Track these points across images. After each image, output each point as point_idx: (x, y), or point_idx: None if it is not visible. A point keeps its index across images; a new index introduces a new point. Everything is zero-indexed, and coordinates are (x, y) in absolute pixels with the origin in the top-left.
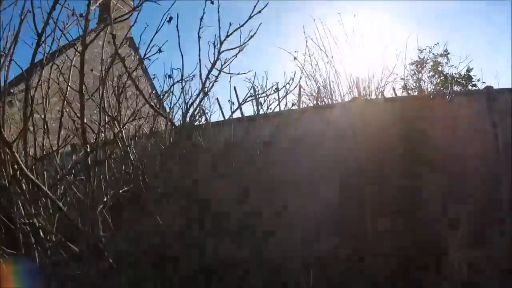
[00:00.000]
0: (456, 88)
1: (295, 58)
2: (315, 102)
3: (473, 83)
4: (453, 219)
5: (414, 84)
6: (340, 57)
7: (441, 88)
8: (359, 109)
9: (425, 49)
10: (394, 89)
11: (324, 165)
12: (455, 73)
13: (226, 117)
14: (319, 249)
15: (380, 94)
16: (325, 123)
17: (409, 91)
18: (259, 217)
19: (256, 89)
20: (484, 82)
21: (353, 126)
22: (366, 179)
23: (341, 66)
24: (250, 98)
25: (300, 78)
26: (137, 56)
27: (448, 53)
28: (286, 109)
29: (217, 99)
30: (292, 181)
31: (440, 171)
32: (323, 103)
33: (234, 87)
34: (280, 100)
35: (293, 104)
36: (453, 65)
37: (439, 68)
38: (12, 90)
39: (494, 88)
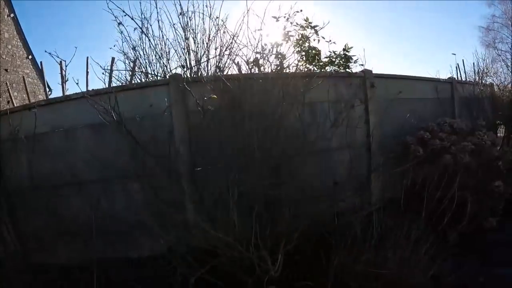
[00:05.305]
0: (330, 68)
1: (120, 23)
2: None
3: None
4: None
5: (271, 60)
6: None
7: (312, 67)
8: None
9: (282, 17)
10: (239, 64)
11: None
12: (331, 51)
13: None
14: None
15: (218, 70)
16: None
17: (261, 68)
18: None
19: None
20: (362, 65)
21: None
22: None
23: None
24: None
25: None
26: (12, 15)
27: (312, 25)
28: None
29: None
30: None
31: None
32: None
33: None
34: None
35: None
36: (327, 40)
37: (307, 44)
38: None
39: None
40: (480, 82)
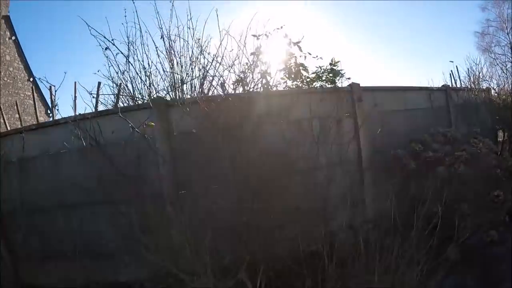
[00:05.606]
0: (318, 84)
1: (107, 48)
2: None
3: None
4: None
5: (255, 78)
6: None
7: (299, 84)
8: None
9: (264, 35)
10: (222, 85)
11: None
12: (318, 66)
13: None
14: None
15: (201, 91)
16: None
17: (245, 87)
18: None
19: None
20: (349, 78)
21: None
22: None
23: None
24: None
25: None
26: (13, 38)
27: (294, 41)
28: None
29: None
30: None
31: None
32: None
33: None
34: None
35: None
36: (314, 56)
37: (293, 61)
38: None
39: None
40: (475, 87)
